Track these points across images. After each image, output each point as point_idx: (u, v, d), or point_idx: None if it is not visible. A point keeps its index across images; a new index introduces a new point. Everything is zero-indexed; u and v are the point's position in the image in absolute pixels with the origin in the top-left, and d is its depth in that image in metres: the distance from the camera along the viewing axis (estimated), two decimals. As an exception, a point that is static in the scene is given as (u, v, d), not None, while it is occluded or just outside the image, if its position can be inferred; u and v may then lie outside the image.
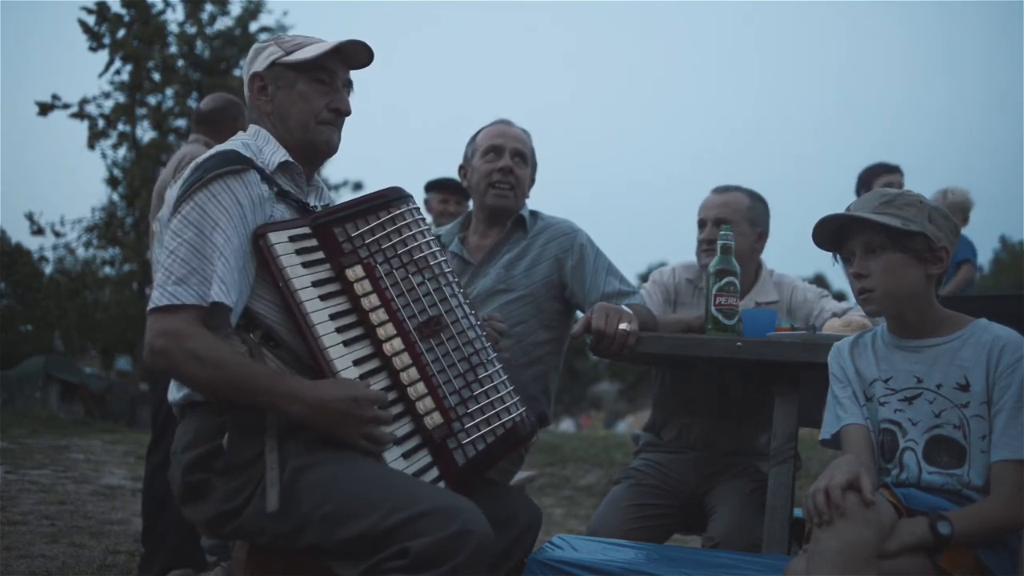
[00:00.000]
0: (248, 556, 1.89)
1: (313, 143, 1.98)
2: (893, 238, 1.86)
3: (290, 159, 1.95)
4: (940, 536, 1.72)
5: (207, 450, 1.80)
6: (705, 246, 2.87)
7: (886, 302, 1.90)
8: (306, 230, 1.87)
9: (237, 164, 1.83)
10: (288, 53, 1.97)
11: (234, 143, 1.93)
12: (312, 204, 2.00)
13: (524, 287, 2.67)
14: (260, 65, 1.99)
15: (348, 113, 2.02)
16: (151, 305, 1.74)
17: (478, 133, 2.83)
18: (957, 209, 4.62)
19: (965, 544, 1.74)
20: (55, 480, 6.27)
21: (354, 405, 1.75)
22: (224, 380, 1.72)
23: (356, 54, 2.02)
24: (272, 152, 1.94)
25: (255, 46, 2.05)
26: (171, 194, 1.86)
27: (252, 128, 2.01)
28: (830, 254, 1.99)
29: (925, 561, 1.73)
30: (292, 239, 1.85)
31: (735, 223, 2.78)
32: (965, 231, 4.76)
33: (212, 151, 1.90)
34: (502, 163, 2.73)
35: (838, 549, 1.61)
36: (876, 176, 4.81)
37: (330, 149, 2.02)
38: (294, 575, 1.90)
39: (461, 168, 2.86)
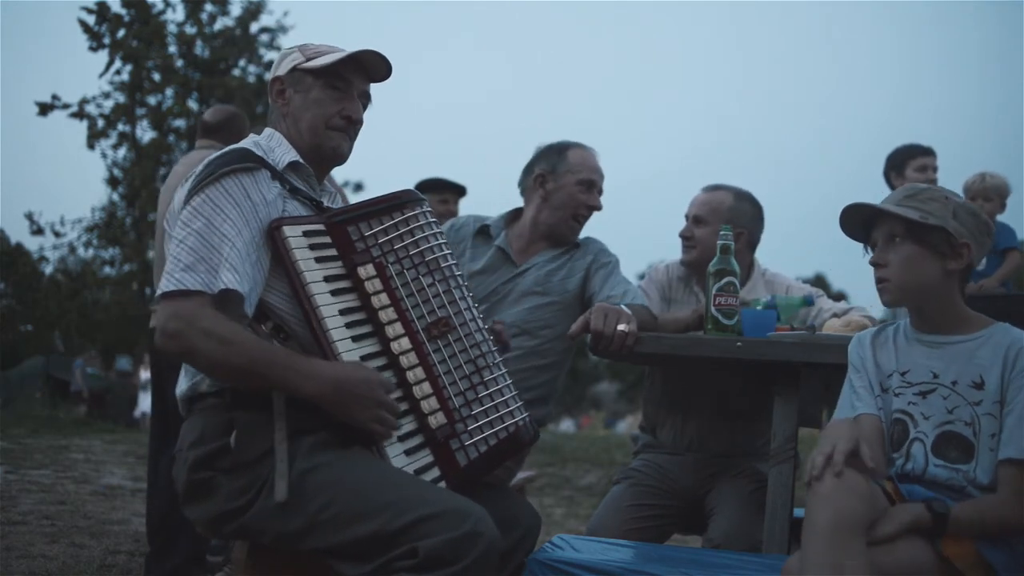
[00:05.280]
0: (248, 556, 1.89)
1: (322, 148, 2.00)
2: (911, 230, 1.90)
3: (300, 160, 1.97)
4: (937, 514, 1.74)
5: (213, 448, 1.80)
6: (683, 242, 2.93)
7: (899, 293, 1.93)
8: (320, 227, 1.89)
9: (249, 162, 1.86)
10: (308, 59, 2.00)
11: (246, 143, 1.96)
12: (326, 204, 2.01)
13: (558, 294, 2.75)
14: (282, 70, 2.02)
15: (359, 122, 2.04)
16: (159, 291, 1.76)
17: (567, 150, 2.85)
18: (994, 193, 4.45)
19: (966, 537, 1.75)
20: (55, 480, 6.27)
21: (369, 388, 1.78)
22: (239, 356, 1.72)
23: (374, 66, 2.04)
24: (283, 153, 1.96)
25: (281, 52, 2.08)
26: (181, 192, 1.88)
27: (267, 131, 2.03)
28: (838, 245, 2.02)
29: (927, 549, 1.74)
30: (306, 234, 1.87)
31: (710, 223, 2.82)
32: (1001, 218, 4.54)
33: (225, 149, 1.92)
34: (593, 201, 2.84)
35: (829, 519, 1.64)
36: (910, 158, 4.55)
37: (338, 156, 2.03)
38: (294, 575, 1.90)
39: (539, 176, 2.85)
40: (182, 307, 1.73)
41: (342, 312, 1.86)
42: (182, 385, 1.91)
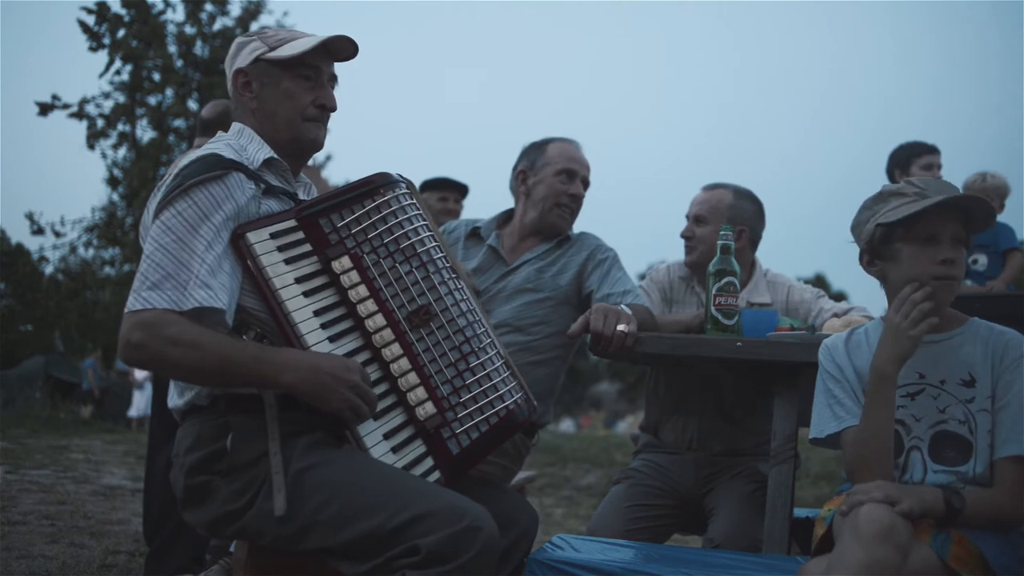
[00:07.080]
0: (248, 556, 1.89)
1: (299, 140, 1.97)
2: (963, 235, 1.87)
3: (275, 156, 1.94)
4: (953, 508, 1.73)
5: (210, 452, 1.79)
6: (686, 243, 2.93)
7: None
8: (291, 223, 1.85)
9: (218, 169, 1.80)
10: (272, 49, 1.94)
11: (217, 145, 1.90)
12: (301, 197, 1.98)
13: (550, 290, 2.75)
14: (244, 61, 1.96)
15: (334, 109, 2.00)
16: (126, 309, 1.72)
17: (547, 144, 2.87)
18: (995, 194, 4.46)
19: (970, 542, 1.73)
20: (55, 480, 6.28)
21: (346, 372, 1.75)
22: (210, 358, 1.70)
23: (341, 48, 1.99)
24: (256, 150, 1.92)
25: (237, 40, 2.01)
26: (152, 203, 1.84)
27: (236, 126, 1.98)
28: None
29: (935, 560, 1.71)
30: (273, 236, 1.82)
31: (711, 222, 2.82)
32: (1000, 218, 4.53)
33: (194, 156, 1.86)
34: (574, 189, 2.83)
35: (864, 565, 1.59)
36: (916, 156, 4.50)
37: (316, 145, 2.00)
38: (295, 574, 1.90)
39: (521, 173, 2.87)
40: (145, 317, 1.69)
41: (317, 312, 1.82)
42: (175, 399, 1.89)
